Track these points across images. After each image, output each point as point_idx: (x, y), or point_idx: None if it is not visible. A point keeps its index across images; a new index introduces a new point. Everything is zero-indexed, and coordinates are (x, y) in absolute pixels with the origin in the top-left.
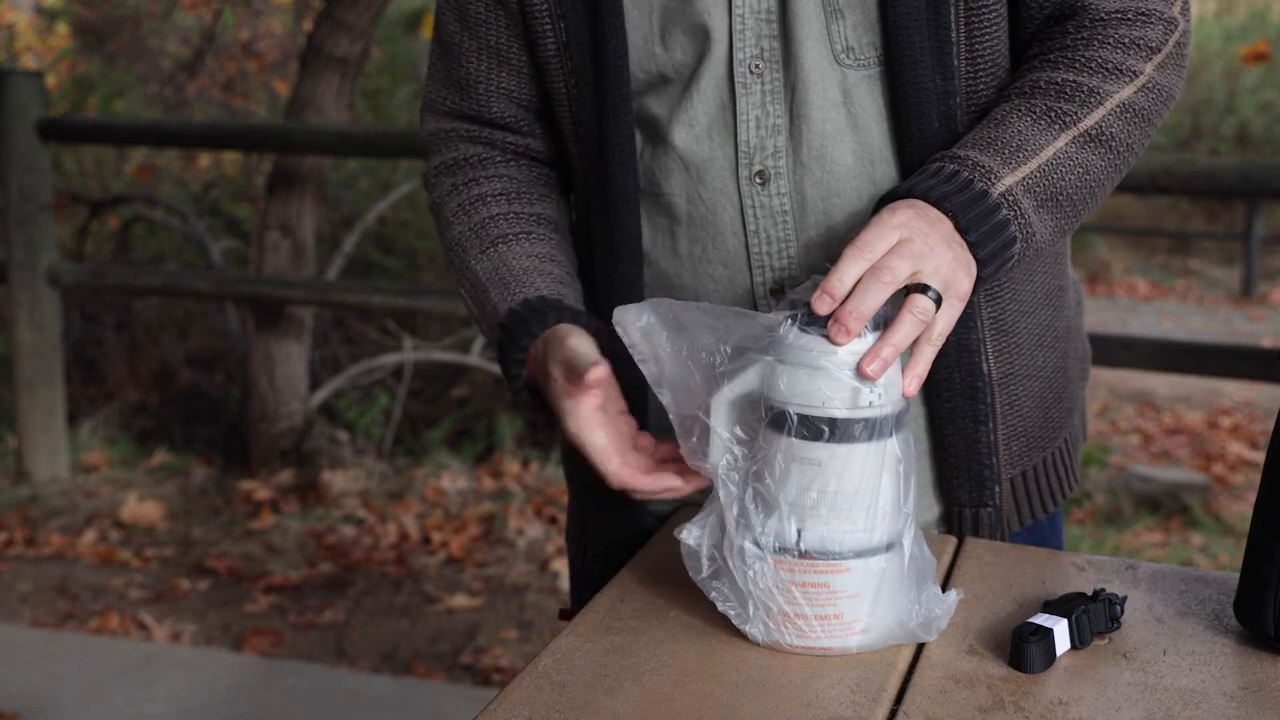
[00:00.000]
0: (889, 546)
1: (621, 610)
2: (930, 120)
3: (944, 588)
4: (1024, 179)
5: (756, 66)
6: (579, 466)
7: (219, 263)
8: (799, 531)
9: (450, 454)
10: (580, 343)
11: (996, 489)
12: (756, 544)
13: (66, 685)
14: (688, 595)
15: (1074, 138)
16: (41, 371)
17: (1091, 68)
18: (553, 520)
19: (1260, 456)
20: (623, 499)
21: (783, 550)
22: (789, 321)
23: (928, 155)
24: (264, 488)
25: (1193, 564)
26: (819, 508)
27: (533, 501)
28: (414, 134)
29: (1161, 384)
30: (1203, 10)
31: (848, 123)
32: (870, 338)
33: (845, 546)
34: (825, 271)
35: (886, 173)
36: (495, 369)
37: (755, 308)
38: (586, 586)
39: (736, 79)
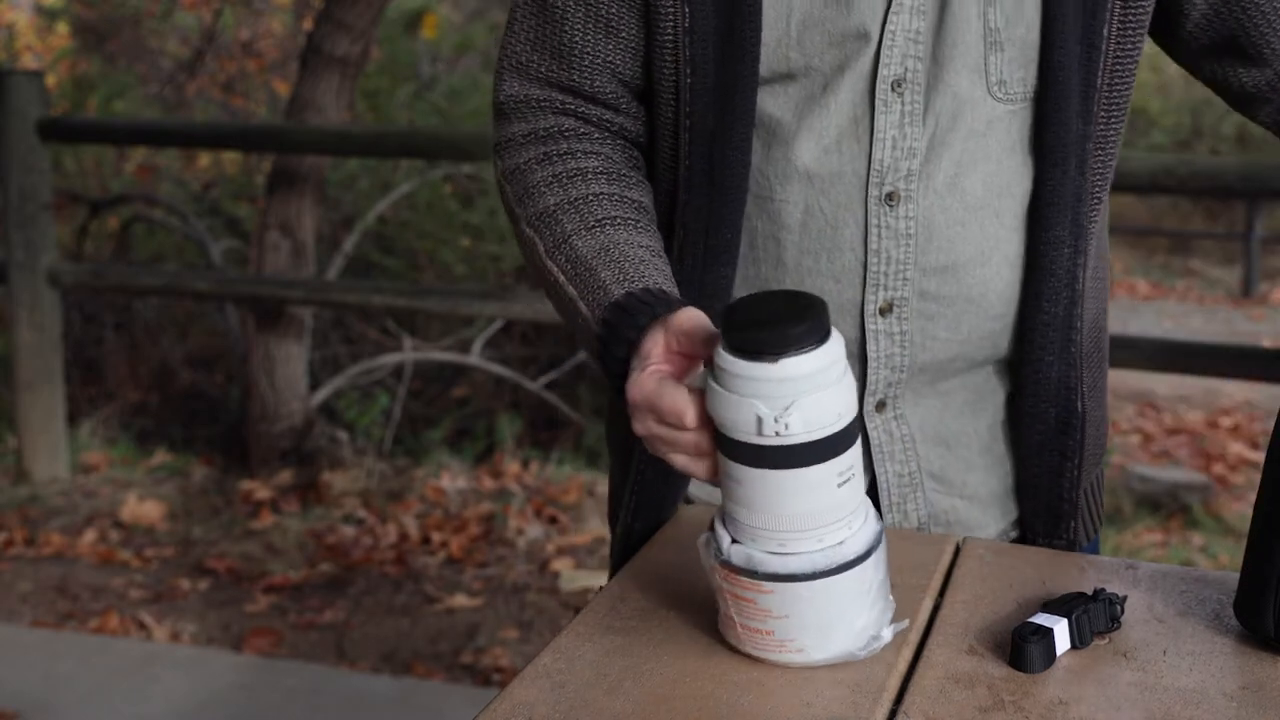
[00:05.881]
0: (816, 574)
1: (621, 610)
2: (1069, 163)
3: (944, 588)
4: None
5: (898, 86)
6: (627, 438)
7: (219, 263)
8: (731, 543)
9: (450, 454)
10: (703, 321)
11: (1072, 523)
12: (707, 544)
13: (66, 685)
14: (688, 595)
15: None
16: (41, 371)
17: None
18: (553, 520)
19: (1260, 456)
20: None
21: (720, 559)
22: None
23: (1059, 198)
24: (264, 488)
25: (1193, 564)
26: (744, 525)
27: (533, 501)
28: (414, 134)
29: (1161, 384)
30: None
31: (983, 154)
32: (789, 361)
33: (766, 568)
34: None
35: (1010, 207)
36: (495, 369)
37: (862, 325)
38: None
39: (877, 96)
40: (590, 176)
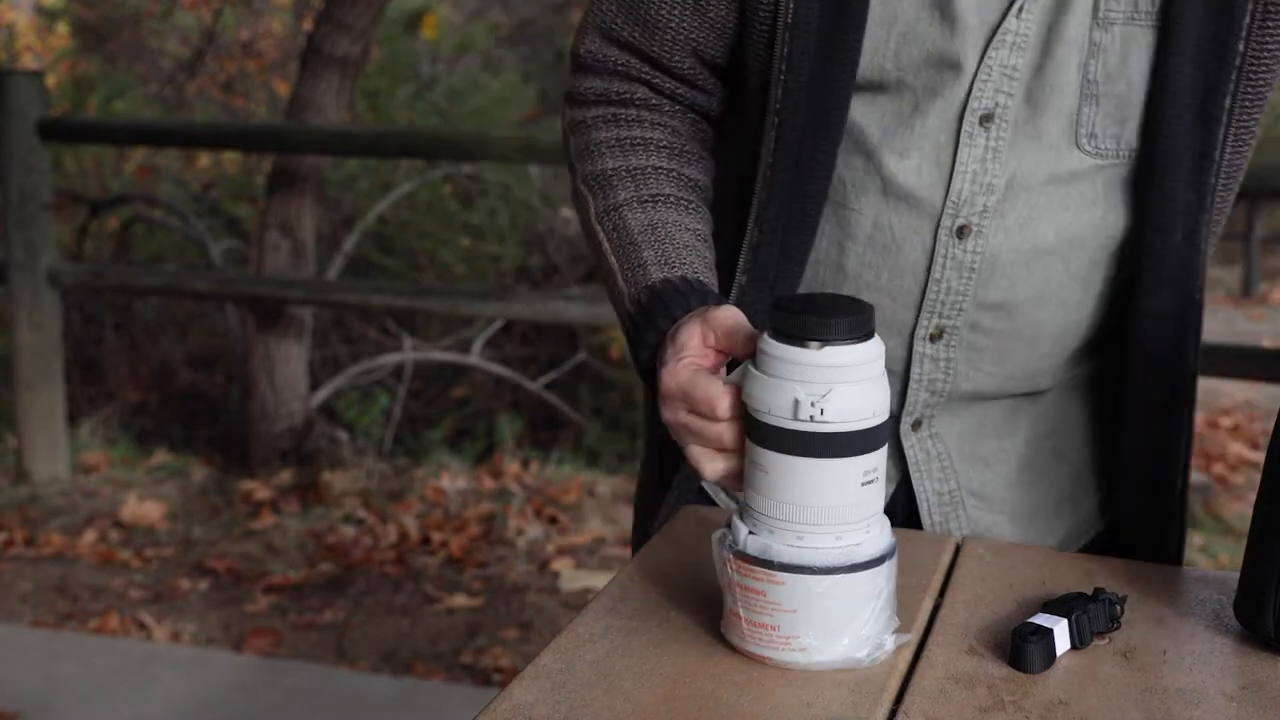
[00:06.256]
0: (831, 569)
1: (621, 610)
2: (1174, 233)
3: (944, 588)
4: None
5: (987, 120)
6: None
7: (219, 263)
8: (749, 534)
9: (450, 454)
10: (743, 320)
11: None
12: (721, 539)
13: (66, 685)
14: (688, 595)
15: None
16: (41, 371)
17: None
18: (553, 520)
19: (1260, 456)
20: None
21: (735, 549)
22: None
23: (1164, 268)
24: (264, 488)
25: (1193, 564)
26: (764, 517)
27: (533, 501)
28: (414, 134)
29: None
30: None
31: (1061, 202)
32: (832, 349)
33: (781, 558)
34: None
35: (1080, 257)
36: (495, 369)
37: (911, 347)
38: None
39: (964, 127)
40: (653, 148)
